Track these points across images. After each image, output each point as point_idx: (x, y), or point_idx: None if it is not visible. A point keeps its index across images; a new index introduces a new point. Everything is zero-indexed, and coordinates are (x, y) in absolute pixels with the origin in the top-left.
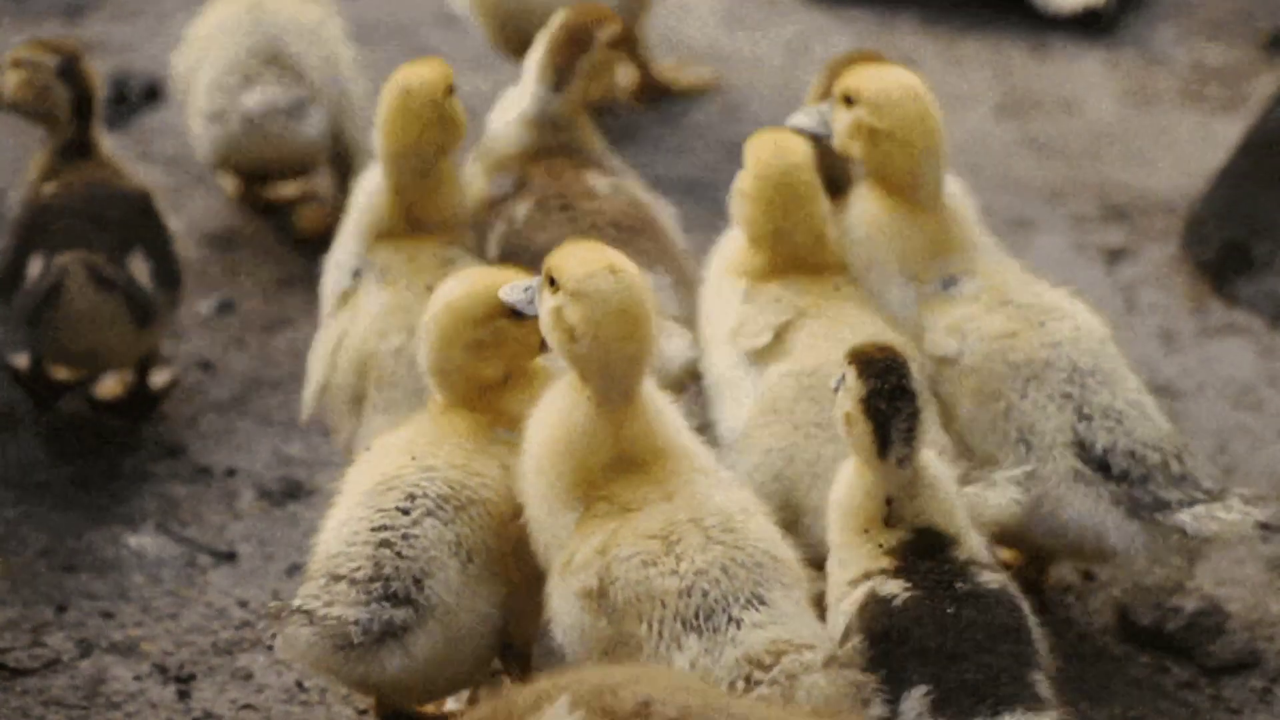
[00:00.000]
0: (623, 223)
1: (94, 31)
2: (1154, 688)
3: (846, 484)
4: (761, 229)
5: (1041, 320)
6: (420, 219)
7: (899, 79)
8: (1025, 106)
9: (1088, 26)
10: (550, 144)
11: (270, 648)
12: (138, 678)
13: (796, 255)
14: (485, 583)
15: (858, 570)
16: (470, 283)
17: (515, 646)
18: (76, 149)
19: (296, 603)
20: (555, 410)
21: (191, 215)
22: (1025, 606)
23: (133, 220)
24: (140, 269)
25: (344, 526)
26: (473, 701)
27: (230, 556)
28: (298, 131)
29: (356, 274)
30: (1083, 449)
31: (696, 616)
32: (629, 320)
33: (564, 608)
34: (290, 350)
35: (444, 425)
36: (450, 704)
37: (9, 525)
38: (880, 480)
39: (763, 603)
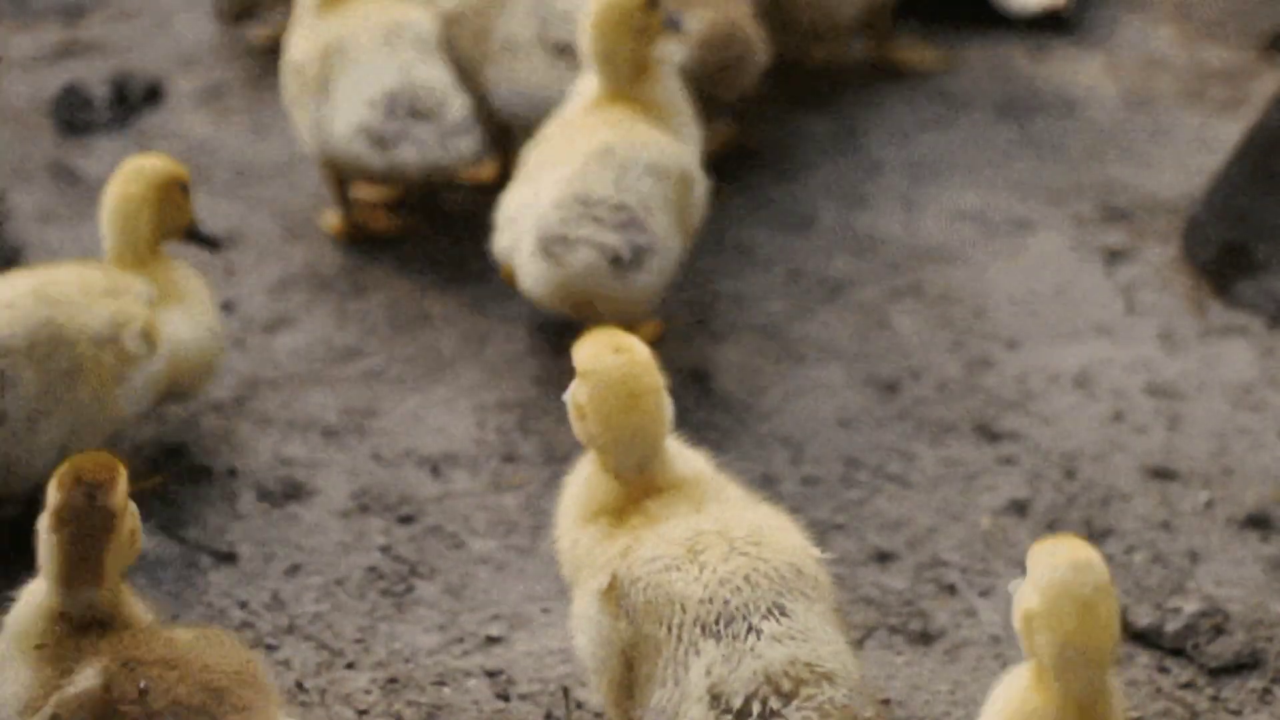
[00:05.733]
0: None
1: (94, 31)
2: (1154, 688)
3: None
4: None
5: None
6: None
7: None
8: (1025, 107)
9: (1051, 27)
10: None
11: (271, 648)
12: None
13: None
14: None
15: None
16: None
17: None
18: None
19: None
20: (581, 476)
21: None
22: None
23: None
24: None
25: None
26: None
27: (230, 557)
28: None
29: None
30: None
31: (716, 622)
32: (629, 394)
33: (585, 608)
34: (290, 350)
35: (603, 112)
36: None
37: (9, 525)
38: None
39: (784, 613)
